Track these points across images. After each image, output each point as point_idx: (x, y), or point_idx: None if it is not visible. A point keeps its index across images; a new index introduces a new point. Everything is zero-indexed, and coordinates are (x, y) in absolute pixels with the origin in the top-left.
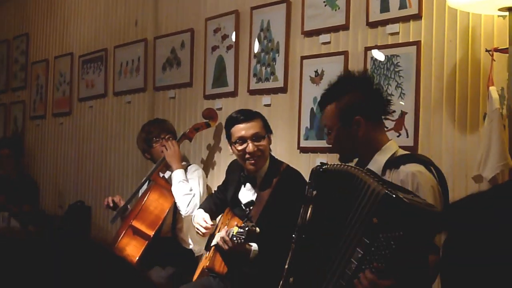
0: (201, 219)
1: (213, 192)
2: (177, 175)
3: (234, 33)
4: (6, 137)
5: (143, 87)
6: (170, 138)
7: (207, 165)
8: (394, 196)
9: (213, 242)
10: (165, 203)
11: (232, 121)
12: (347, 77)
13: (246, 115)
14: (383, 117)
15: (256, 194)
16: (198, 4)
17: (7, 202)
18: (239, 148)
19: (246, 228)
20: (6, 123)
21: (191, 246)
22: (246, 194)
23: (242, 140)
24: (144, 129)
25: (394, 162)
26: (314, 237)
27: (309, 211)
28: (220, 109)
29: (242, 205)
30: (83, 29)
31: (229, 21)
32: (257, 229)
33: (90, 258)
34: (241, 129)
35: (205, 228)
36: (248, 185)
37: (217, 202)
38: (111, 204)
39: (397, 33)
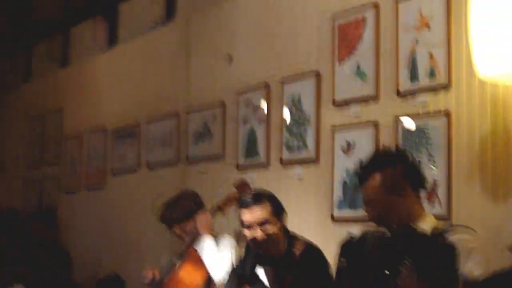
0: None
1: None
2: (208, 243)
3: (265, 106)
4: (39, 212)
5: (175, 160)
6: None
7: (238, 237)
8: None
9: None
10: (199, 274)
11: (240, 204)
12: (386, 151)
13: (252, 200)
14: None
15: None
16: (229, 78)
17: (40, 275)
18: (247, 233)
19: None
20: (39, 197)
21: None
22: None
23: (249, 225)
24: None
25: (439, 233)
26: None
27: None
28: (251, 182)
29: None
30: (116, 103)
31: (260, 94)
32: None
33: None
34: (248, 214)
35: None
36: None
37: (236, 279)
38: (151, 277)
39: (427, 103)
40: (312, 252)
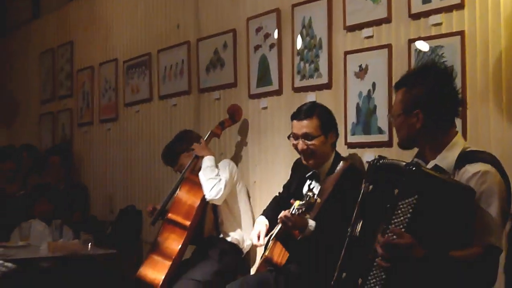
0: (256, 235)
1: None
2: (205, 161)
3: (276, 31)
4: (55, 145)
5: (187, 90)
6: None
7: (244, 162)
8: (411, 166)
9: (275, 230)
10: (196, 193)
11: (292, 115)
12: (429, 67)
13: (302, 113)
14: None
15: (319, 188)
16: (238, 4)
17: (58, 210)
18: (293, 142)
19: (307, 198)
20: (54, 131)
21: (233, 239)
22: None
23: (295, 136)
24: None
25: (464, 159)
26: (366, 231)
27: (364, 206)
28: (265, 108)
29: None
30: (126, 35)
31: (271, 19)
32: (318, 199)
33: None
34: (295, 126)
35: (257, 245)
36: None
37: (280, 203)
38: (151, 209)
39: (440, 23)
40: (356, 170)
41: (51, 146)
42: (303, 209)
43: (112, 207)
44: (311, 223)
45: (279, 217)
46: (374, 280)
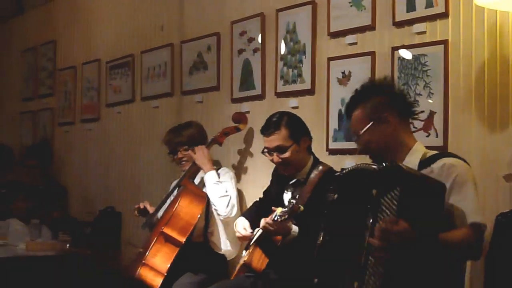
0: (242, 228)
1: (244, 196)
2: (210, 176)
3: (260, 36)
4: (34, 145)
5: (170, 92)
6: (187, 149)
7: (238, 170)
8: (389, 164)
9: (255, 235)
10: (196, 209)
11: (261, 130)
12: (370, 83)
13: (269, 127)
14: (410, 119)
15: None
16: (223, 7)
17: (37, 209)
18: (268, 158)
19: (290, 206)
20: (34, 130)
21: (222, 251)
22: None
23: (268, 151)
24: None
25: (426, 162)
26: (336, 236)
27: (330, 214)
28: (247, 112)
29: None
30: (109, 35)
31: (255, 23)
32: (301, 207)
33: None
34: (266, 141)
35: (245, 236)
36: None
37: (261, 208)
38: (142, 207)
39: (424, 32)
40: (331, 176)
41: (29, 147)
42: (286, 216)
43: (91, 208)
44: (294, 228)
45: (261, 224)
46: (373, 278)
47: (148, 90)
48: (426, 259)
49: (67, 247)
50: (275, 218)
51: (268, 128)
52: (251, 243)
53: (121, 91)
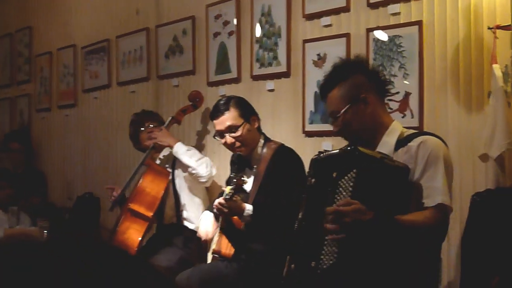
0: (204, 231)
1: None
2: (179, 147)
3: (235, 19)
4: (14, 130)
5: (146, 76)
6: (155, 126)
7: (201, 150)
8: (347, 147)
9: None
10: (160, 183)
11: (210, 116)
12: (344, 63)
13: (218, 110)
14: (385, 99)
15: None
16: None
17: (15, 196)
18: (221, 141)
19: (234, 180)
20: (12, 117)
21: (194, 225)
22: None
23: (220, 134)
24: (131, 121)
25: (403, 141)
26: (313, 223)
27: (309, 199)
28: (223, 95)
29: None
30: (85, 20)
31: (230, 6)
32: (245, 179)
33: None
34: (217, 124)
35: (204, 241)
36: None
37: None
38: (116, 195)
39: (399, 13)
40: (287, 148)
41: (10, 132)
42: (233, 192)
43: (70, 194)
44: (248, 207)
45: (213, 206)
46: (327, 257)
47: (125, 75)
48: (385, 240)
49: (45, 233)
50: (226, 198)
51: (218, 111)
52: (217, 232)
53: (98, 76)
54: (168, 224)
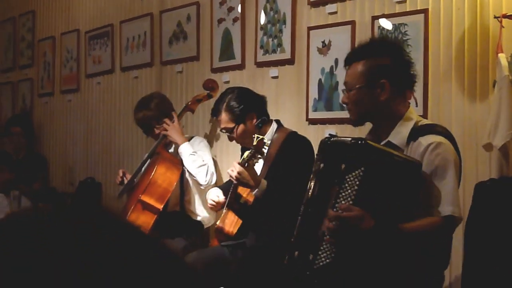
0: (215, 195)
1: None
2: (185, 149)
3: (240, 5)
4: (16, 114)
5: (150, 62)
6: (160, 123)
7: (211, 137)
8: (358, 141)
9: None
10: (173, 175)
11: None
12: (380, 40)
13: (213, 112)
14: (407, 90)
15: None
16: None
17: (17, 181)
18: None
19: (255, 139)
20: (14, 101)
21: (199, 218)
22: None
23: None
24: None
25: (416, 133)
26: (318, 209)
27: (316, 184)
28: (227, 82)
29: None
30: (89, 5)
31: None
32: (266, 140)
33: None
34: (217, 123)
35: (218, 203)
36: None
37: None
38: (121, 178)
39: (404, 1)
40: (298, 135)
41: (11, 116)
42: (252, 151)
43: (72, 179)
44: (264, 181)
45: (228, 171)
46: (324, 255)
47: (128, 61)
48: (385, 247)
49: None
50: (243, 160)
51: (213, 112)
52: (224, 208)
53: (101, 61)
54: (171, 212)
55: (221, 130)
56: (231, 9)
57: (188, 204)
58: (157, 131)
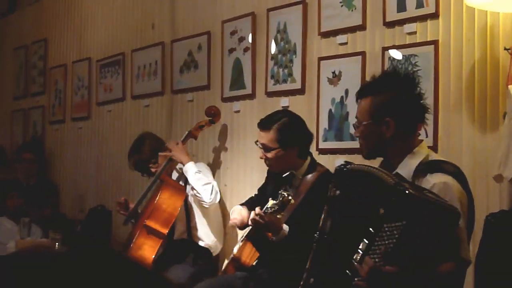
0: (238, 213)
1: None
2: (190, 167)
3: (250, 35)
4: (27, 142)
5: (161, 91)
6: (155, 161)
7: (215, 165)
8: (400, 187)
9: (246, 230)
10: (177, 201)
11: (258, 122)
12: (392, 74)
13: (262, 123)
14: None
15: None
16: (214, 6)
17: (27, 207)
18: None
19: (280, 198)
20: (25, 128)
21: (204, 243)
22: None
23: (258, 144)
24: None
25: (422, 170)
26: (334, 237)
27: (331, 212)
28: (238, 111)
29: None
30: (100, 33)
31: (246, 23)
32: (292, 199)
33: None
34: (258, 134)
35: (242, 220)
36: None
37: (255, 204)
38: (123, 201)
39: (415, 32)
40: (326, 182)
41: (23, 143)
42: (276, 207)
43: (82, 206)
44: (285, 227)
45: (251, 216)
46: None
47: (139, 89)
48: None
49: (57, 245)
50: (266, 210)
51: (262, 124)
52: (242, 238)
53: (112, 89)
54: (178, 240)
55: (256, 142)
56: (242, 39)
57: (194, 230)
58: (153, 170)
